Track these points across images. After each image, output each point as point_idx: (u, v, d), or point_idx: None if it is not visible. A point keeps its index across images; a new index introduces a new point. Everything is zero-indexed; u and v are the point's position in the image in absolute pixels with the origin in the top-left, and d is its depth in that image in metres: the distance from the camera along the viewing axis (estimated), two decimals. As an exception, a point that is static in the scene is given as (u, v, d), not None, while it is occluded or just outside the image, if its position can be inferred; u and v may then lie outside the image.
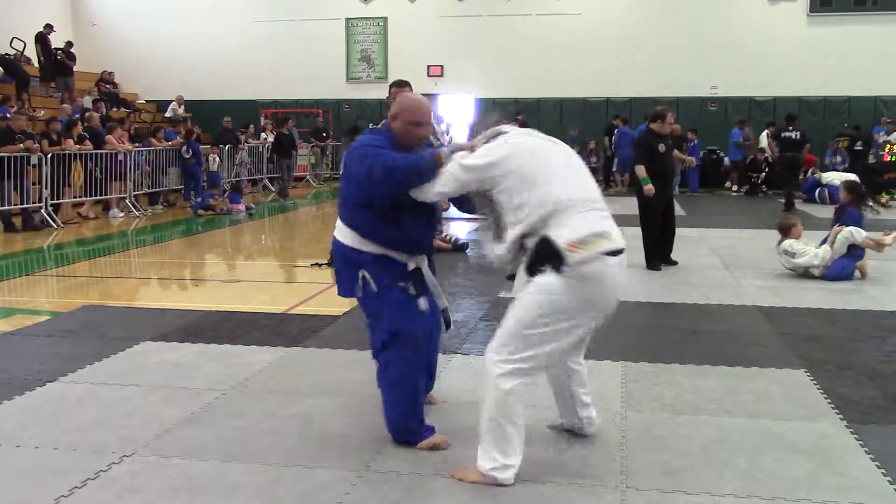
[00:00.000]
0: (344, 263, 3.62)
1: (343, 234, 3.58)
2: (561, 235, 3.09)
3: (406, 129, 3.54)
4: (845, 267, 7.50)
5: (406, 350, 3.50)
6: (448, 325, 3.82)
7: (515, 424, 3.19)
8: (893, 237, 7.70)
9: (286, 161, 17.05)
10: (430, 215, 3.62)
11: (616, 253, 3.15)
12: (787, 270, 7.76)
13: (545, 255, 3.11)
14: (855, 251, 7.55)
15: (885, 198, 15.70)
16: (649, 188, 7.90)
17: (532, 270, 3.17)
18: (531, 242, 3.17)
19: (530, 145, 3.31)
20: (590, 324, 3.22)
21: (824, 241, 7.77)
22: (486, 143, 3.36)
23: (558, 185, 3.17)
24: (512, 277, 3.22)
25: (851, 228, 7.55)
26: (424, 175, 3.33)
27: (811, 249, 7.63)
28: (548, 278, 3.11)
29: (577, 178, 3.27)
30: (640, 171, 7.96)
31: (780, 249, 7.81)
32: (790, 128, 14.51)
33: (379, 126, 3.86)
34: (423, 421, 3.62)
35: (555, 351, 3.19)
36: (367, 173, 3.35)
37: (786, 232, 7.92)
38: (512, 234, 3.20)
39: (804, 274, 7.62)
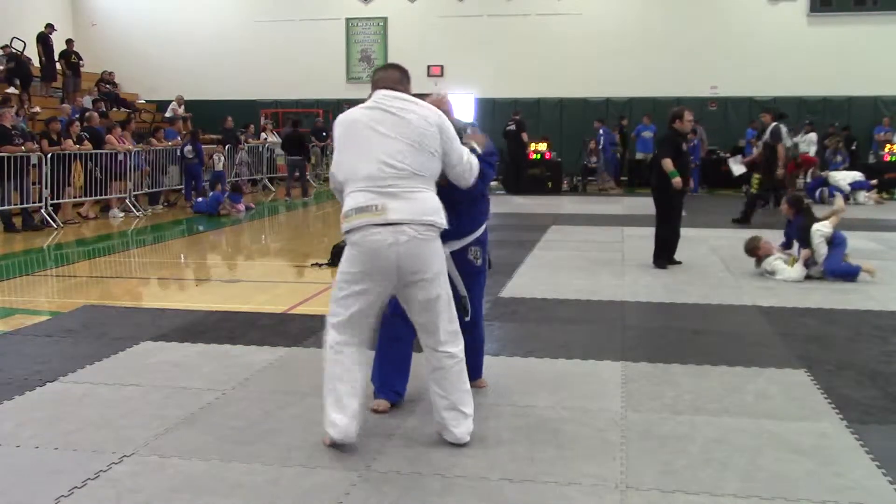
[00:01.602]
0: None
1: None
2: (343, 208, 3.51)
3: None
4: (841, 262, 7.47)
5: (383, 324, 4.00)
6: (466, 313, 4.04)
7: (340, 380, 3.51)
8: (840, 203, 7.83)
9: (299, 159, 16.78)
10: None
11: (385, 224, 3.37)
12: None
13: None
14: (836, 240, 7.52)
15: (885, 196, 15.76)
16: (678, 181, 7.88)
17: None
18: None
19: (348, 118, 3.61)
20: (379, 287, 3.50)
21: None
22: None
23: (351, 161, 3.50)
24: None
25: (816, 226, 7.50)
26: None
27: (787, 269, 7.56)
28: (346, 248, 3.55)
29: (368, 155, 3.44)
30: (668, 164, 7.91)
31: (761, 270, 7.82)
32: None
33: None
34: (384, 383, 4.04)
35: (359, 311, 3.52)
36: None
37: (754, 253, 7.93)
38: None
39: (807, 274, 7.60)
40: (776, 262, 7.70)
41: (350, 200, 3.46)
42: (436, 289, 3.51)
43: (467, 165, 3.68)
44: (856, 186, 15.05)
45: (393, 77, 3.68)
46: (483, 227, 4.16)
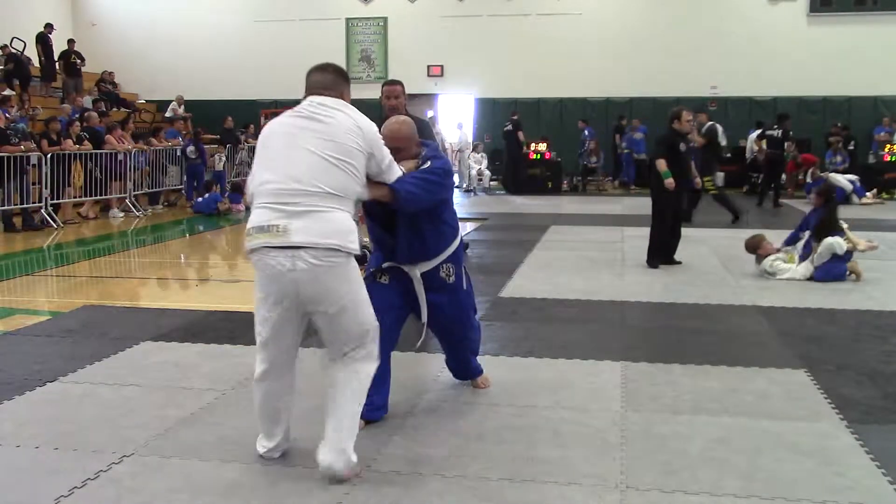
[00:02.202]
0: None
1: None
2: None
3: None
4: (833, 268, 7.46)
5: None
6: (419, 338, 4.10)
7: (260, 412, 3.43)
8: (867, 247, 7.74)
9: None
10: (390, 221, 3.80)
11: (284, 248, 3.07)
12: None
13: None
14: (846, 256, 7.52)
15: (885, 196, 15.77)
16: (670, 182, 7.89)
17: None
18: None
19: (268, 126, 3.34)
20: (288, 313, 3.20)
21: (805, 252, 7.73)
22: None
23: (261, 173, 3.22)
24: None
25: (833, 241, 7.45)
26: None
27: (791, 267, 7.58)
28: None
29: (277, 168, 3.15)
30: (661, 164, 7.94)
31: (760, 270, 7.82)
32: (775, 126, 14.75)
33: None
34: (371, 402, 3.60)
35: (267, 335, 3.28)
36: None
37: (755, 251, 7.94)
38: None
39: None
40: (776, 262, 7.70)
41: (253, 217, 3.17)
42: (341, 320, 3.21)
43: (393, 169, 3.42)
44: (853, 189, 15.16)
45: (323, 82, 3.31)
46: (454, 245, 4.03)
